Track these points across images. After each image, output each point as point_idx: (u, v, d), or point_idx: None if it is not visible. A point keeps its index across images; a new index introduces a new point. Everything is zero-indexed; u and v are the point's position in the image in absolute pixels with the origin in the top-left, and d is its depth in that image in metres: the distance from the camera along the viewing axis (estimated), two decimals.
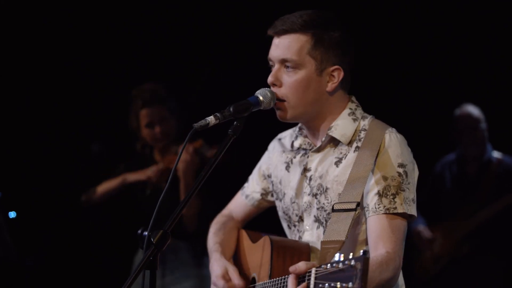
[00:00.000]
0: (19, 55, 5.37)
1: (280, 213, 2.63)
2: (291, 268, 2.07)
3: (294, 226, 2.54)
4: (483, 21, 5.18)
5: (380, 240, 2.25)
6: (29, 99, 5.44)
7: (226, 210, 2.83)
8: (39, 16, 5.36)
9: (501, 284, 5.07)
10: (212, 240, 2.72)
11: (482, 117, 5.15)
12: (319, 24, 2.38)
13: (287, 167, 2.57)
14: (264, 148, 2.77)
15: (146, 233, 2.13)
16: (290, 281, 2.06)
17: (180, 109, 4.36)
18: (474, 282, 5.07)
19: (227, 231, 2.75)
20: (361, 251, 1.87)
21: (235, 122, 2.29)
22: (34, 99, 5.45)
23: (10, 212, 4.47)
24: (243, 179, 2.84)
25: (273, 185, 2.65)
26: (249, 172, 2.81)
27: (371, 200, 2.30)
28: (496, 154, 5.18)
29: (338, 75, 2.40)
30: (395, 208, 2.27)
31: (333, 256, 2.04)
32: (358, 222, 2.37)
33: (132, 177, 4.35)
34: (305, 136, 2.52)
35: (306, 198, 2.47)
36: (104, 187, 4.43)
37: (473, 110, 5.18)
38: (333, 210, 2.29)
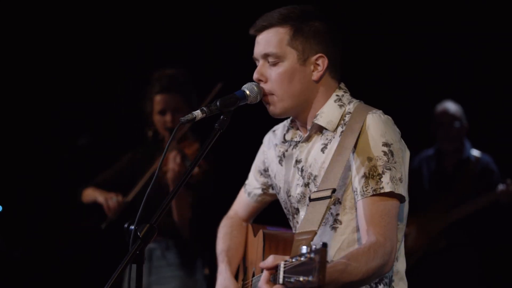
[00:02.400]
0: (4, 48, 5.35)
1: (282, 206, 2.64)
2: (261, 264, 2.07)
3: (293, 218, 2.54)
4: (476, 18, 5.19)
5: (370, 225, 2.23)
6: (16, 92, 5.42)
7: (232, 211, 2.83)
8: (24, 9, 5.34)
9: (476, 275, 5.10)
10: (219, 246, 2.74)
11: (460, 114, 5.20)
12: (297, 16, 2.40)
13: (280, 161, 2.57)
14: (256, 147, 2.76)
15: (132, 227, 2.13)
16: (263, 275, 2.06)
17: (198, 101, 4.21)
18: (448, 275, 5.09)
19: (234, 235, 2.76)
20: (321, 242, 1.87)
21: (221, 116, 2.30)
22: (20, 92, 5.43)
23: None
24: (236, 183, 2.83)
25: (271, 178, 2.66)
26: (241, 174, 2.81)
27: (359, 183, 2.29)
28: (474, 153, 5.21)
29: (323, 63, 2.40)
30: (382, 188, 2.25)
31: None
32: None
33: (100, 199, 4.22)
34: (297, 129, 2.53)
35: (299, 189, 2.47)
36: (88, 195, 4.34)
37: (450, 106, 5.22)
38: (310, 200, 2.28)
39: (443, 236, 5.13)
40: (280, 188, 2.58)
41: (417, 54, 5.35)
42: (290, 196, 2.52)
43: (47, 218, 5.42)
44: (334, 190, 2.23)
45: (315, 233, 2.13)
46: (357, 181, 2.30)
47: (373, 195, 2.25)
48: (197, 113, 2.27)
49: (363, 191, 2.27)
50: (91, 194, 4.31)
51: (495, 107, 5.29)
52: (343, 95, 2.45)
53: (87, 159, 5.17)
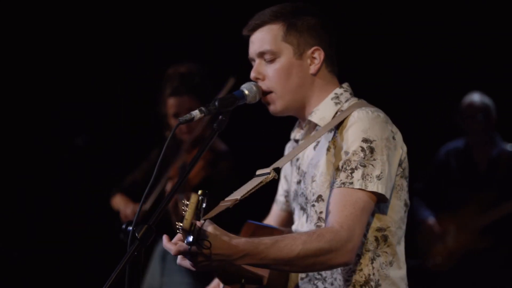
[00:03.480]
0: (4, 48, 5.35)
1: None
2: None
3: (294, 218, 2.53)
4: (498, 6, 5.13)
5: (331, 214, 2.18)
6: (15, 92, 5.42)
7: (266, 219, 2.81)
8: (25, 9, 5.34)
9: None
10: None
11: (485, 106, 5.02)
12: (290, 12, 2.39)
13: (291, 162, 2.58)
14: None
15: (130, 227, 2.12)
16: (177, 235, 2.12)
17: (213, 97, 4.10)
18: (492, 275, 4.95)
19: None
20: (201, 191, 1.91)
21: (220, 117, 2.28)
22: (20, 92, 5.43)
23: None
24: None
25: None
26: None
27: (332, 175, 2.27)
28: (505, 146, 5.08)
29: (319, 55, 2.39)
30: (352, 183, 2.20)
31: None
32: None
33: (127, 212, 4.14)
34: (301, 128, 2.52)
35: (294, 187, 2.47)
36: (115, 203, 4.27)
37: (476, 98, 5.06)
38: (255, 175, 2.27)
39: (488, 234, 4.97)
40: (288, 189, 2.57)
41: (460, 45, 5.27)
42: (290, 196, 2.51)
43: (47, 218, 5.42)
44: (277, 169, 2.22)
45: (235, 200, 2.13)
46: (332, 174, 2.28)
47: (340, 187, 2.22)
48: (196, 113, 2.25)
49: (333, 182, 2.25)
50: (117, 203, 4.26)
51: None
52: (342, 94, 2.43)
53: (86, 159, 5.17)
